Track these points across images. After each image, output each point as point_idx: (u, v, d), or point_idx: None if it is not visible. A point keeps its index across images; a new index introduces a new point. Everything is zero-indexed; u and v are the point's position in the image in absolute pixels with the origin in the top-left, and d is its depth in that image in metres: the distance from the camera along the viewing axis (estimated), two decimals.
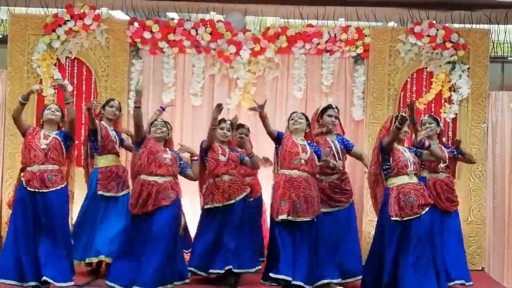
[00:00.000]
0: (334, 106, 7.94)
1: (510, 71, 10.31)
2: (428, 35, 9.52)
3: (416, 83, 9.70)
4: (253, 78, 9.66)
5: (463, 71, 9.56)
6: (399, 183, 6.95)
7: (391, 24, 10.22)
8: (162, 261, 6.84)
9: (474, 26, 9.89)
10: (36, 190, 6.84)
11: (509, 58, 10.43)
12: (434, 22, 9.64)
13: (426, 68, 9.66)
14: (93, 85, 9.63)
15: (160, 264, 6.83)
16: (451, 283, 7.70)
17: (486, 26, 9.94)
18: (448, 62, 9.56)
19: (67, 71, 9.61)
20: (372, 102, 9.62)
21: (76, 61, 9.63)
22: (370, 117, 9.57)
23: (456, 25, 9.85)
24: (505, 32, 10.39)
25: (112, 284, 7.00)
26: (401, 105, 9.64)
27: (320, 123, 7.88)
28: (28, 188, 6.86)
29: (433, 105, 9.66)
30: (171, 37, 9.61)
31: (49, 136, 7.03)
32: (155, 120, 7.51)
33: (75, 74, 9.62)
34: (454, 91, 9.60)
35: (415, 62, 9.66)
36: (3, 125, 9.65)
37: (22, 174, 7.00)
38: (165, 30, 9.60)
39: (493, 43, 10.13)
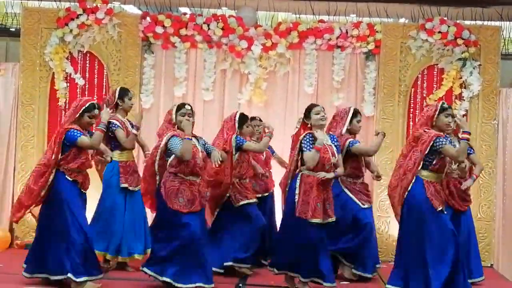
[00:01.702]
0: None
1: None
2: (439, 32, 9.52)
3: (427, 79, 9.71)
4: (264, 73, 9.69)
5: (474, 68, 9.56)
6: (432, 179, 6.91)
7: (402, 20, 10.22)
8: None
9: (485, 23, 9.87)
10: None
11: None
12: (445, 18, 9.64)
13: (437, 64, 9.67)
14: (105, 79, 9.68)
15: None
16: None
17: (497, 23, 9.93)
18: (459, 59, 9.56)
19: (79, 64, 9.66)
20: (383, 98, 9.64)
21: (88, 55, 9.68)
22: (381, 113, 9.60)
23: (467, 22, 9.84)
24: None
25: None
26: (412, 101, 9.66)
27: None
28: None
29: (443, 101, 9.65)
30: (183, 32, 9.64)
31: None
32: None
33: (87, 68, 9.67)
34: (465, 87, 9.61)
35: (426, 58, 9.67)
36: (16, 118, 9.70)
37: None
38: (177, 24, 9.64)
39: (504, 40, 10.13)
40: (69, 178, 6.95)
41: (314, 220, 6.94)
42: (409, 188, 6.81)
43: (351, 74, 9.79)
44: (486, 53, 9.64)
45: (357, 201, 7.92)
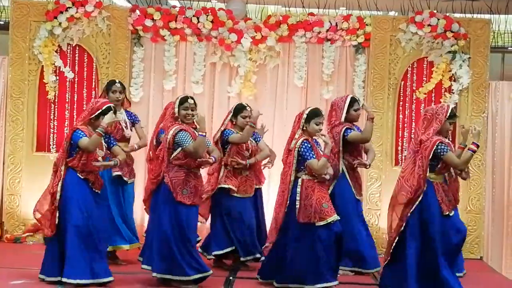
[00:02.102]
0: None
1: (510, 61, 10.31)
2: (429, 25, 9.52)
3: (416, 72, 9.72)
4: (254, 66, 9.68)
5: (463, 61, 9.57)
6: (440, 180, 6.95)
7: (392, 13, 10.23)
8: None
9: (475, 16, 9.89)
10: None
11: (509, 48, 10.44)
12: (435, 11, 9.65)
13: (427, 57, 9.67)
14: (94, 73, 9.64)
15: None
16: None
17: (487, 16, 9.94)
18: (449, 52, 9.56)
19: (69, 58, 9.62)
20: (373, 91, 9.64)
21: (77, 48, 9.64)
22: (371, 106, 9.59)
23: (457, 15, 9.85)
24: (506, 22, 10.41)
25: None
26: (401, 94, 9.67)
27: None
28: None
29: (433, 94, 9.68)
30: (172, 25, 9.62)
31: None
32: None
33: (76, 61, 9.63)
34: (454, 80, 9.62)
35: (415, 51, 9.67)
36: (5, 111, 9.66)
37: None
38: (167, 18, 9.61)
39: (494, 33, 10.14)
40: (80, 176, 6.92)
41: (322, 222, 6.89)
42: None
43: (341, 67, 9.79)
44: (476, 46, 9.65)
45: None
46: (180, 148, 6.94)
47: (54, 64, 9.52)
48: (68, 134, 6.98)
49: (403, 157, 9.57)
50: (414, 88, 9.68)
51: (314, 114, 7.11)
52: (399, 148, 9.60)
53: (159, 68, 9.73)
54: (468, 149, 6.89)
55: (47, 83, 9.54)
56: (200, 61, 9.69)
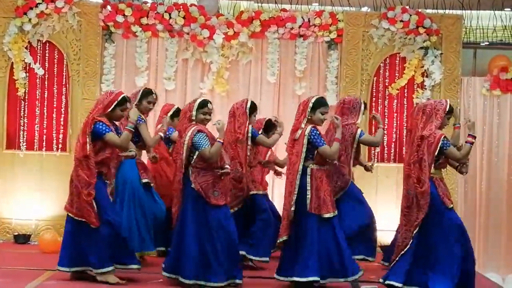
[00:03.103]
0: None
1: (482, 56, 10.39)
2: (401, 20, 9.54)
3: (389, 68, 9.74)
4: (226, 62, 9.64)
5: (435, 57, 9.60)
6: (440, 176, 6.91)
7: (364, 9, 10.24)
8: None
9: (447, 11, 9.95)
10: None
11: (481, 44, 10.51)
12: (407, 7, 9.67)
13: (399, 53, 9.69)
14: (65, 69, 9.56)
15: None
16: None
17: (459, 12, 10.00)
18: (421, 48, 9.59)
19: (39, 54, 9.53)
20: (345, 87, 9.64)
21: (47, 44, 9.55)
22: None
23: (429, 11, 9.90)
24: (478, 18, 10.46)
25: None
26: (374, 90, 9.68)
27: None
28: None
29: (405, 90, 9.70)
30: (144, 21, 9.56)
31: None
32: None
33: (46, 57, 9.55)
34: (426, 76, 9.65)
35: (388, 47, 9.69)
36: None
37: None
38: (138, 14, 9.55)
39: (466, 29, 10.19)
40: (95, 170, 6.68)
41: (328, 215, 6.78)
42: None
43: (314, 63, 9.78)
44: (448, 42, 9.69)
45: None
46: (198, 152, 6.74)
47: (24, 60, 9.43)
48: (87, 126, 6.63)
49: (376, 153, 9.58)
50: (386, 84, 9.70)
51: (320, 103, 6.92)
52: None
53: (130, 64, 9.67)
54: (466, 142, 6.88)
55: (17, 80, 9.44)
56: (172, 57, 9.64)
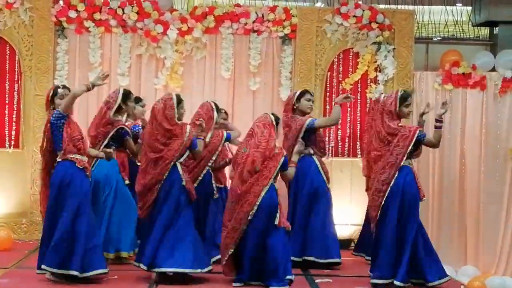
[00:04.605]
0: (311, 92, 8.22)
1: (434, 51, 10.47)
2: (354, 16, 9.61)
3: (342, 63, 9.80)
4: (180, 58, 9.62)
5: (388, 52, 9.69)
6: (412, 166, 7.13)
7: (318, 4, 10.31)
8: None
9: (399, 7, 10.04)
10: None
11: (433, 39, 10.62)
12: (360, 2, 9.76)
13: (352, 48, 9.76)
14: (17, 65, 9.45)
15: None
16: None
17: (411, 7, 10.11)
18: (374, 43, 9.67)
19: None
20: (300, 82, 9.66)
21: None
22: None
23: (381, 6, 9.99)
24: (430, 13, 10.58)
25: None
26: (328, 85, 9.74)
27: (296, 107, 7.98)
28: None
29: (359, 85, 9.78)
30: (97, 16, 9.48)
31: None
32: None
33: None
34: (379, 71, 9.74)
35: (341, 42, 9.75)
36: None
37: None
38: (91, 9, 9.47)
39: (418, 24, 10.30)
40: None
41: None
42: (395, 178, 6.96)
43: (268, 59, 9.80)
44: (400, 37, 9.78)
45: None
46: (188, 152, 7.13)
47: None
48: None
49: (330, 148, 9.62)
50: (340, 79, 9.77)
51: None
52: (326, 138, 9.62)
53: (84, 60, 9.59)
54: (436, 128, 7.21)
55: None
56: (126, 53, 9.59)
